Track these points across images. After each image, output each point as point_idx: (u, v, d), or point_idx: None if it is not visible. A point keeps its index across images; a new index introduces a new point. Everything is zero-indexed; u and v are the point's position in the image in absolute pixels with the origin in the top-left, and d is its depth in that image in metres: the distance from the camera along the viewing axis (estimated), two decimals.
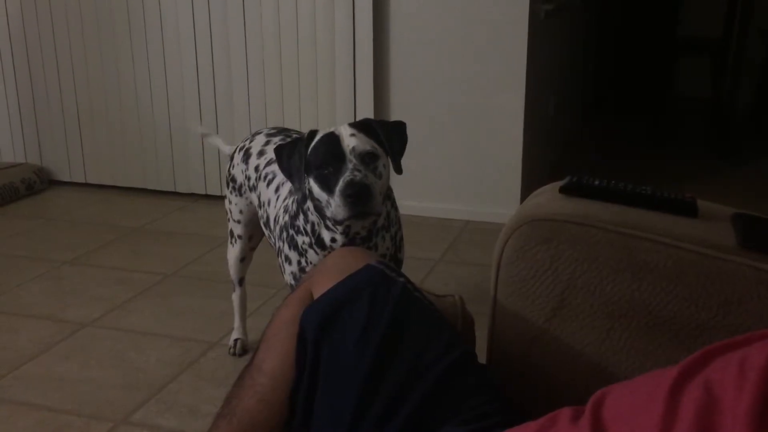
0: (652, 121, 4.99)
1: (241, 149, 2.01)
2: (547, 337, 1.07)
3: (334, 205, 1.44)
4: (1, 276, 2.79)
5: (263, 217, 1.85)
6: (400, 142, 1.55)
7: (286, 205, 1.69)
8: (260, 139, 1.98)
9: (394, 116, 3.35)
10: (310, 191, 1.51)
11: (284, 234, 1.66)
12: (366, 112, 3.34)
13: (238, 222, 2.07)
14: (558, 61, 4.15)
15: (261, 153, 1.93)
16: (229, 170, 2.05)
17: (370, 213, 1.46)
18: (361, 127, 1.51)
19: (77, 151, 3.88)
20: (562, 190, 1.12)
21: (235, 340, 2.21)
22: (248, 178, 1.94)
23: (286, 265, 1.65)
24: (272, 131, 2.02)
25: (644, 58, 5.47)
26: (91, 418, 1.90)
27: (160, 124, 3.69)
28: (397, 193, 1.70)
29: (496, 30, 3.19)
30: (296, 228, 1.61)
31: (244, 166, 1.96)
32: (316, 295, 1.10)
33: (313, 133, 1.52)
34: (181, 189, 3.75)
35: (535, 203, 1.12)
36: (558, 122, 4.30)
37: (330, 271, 1.13)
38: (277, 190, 1.79)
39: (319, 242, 1.57)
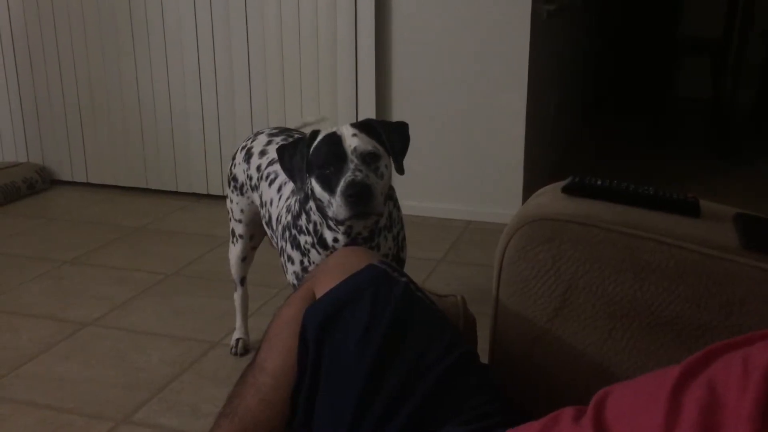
0: (653, 121, 4.99)
1: (242, 149, 2.01)
2: (549, 337, 1.07)
3: (336, 205, 1.44)
4: (3, 275, 2.79)
5: (265, 217, 1.85)
6: (401, 142, 1.55)
7: (289, 204, 1.70)
8: (262, 139, 1.98)
9: (396, 116, 3.36)
10: (312, 191, 1.51)
11: (287, 234, 1.66)
12: (368, 112, 3.34)
13: (240, 221, 2.07)
14: (559, 60, 4.15)
15: (263, 153, 1.93)
16: (230, 169, 2.05)
17: (371, 213, 1.46)
18: (363, 127, 1.51)
19: (79, 151, 3.88)
20: (565, 189, 1.13)
21: (237, 340, 2.21)
22: (250, 178, 1.94)
23: (289, 265, 1.65)
24: (274, 131, 2.02)
25: (644, 59, 5.46)
26: (92, 417, 1.90)
27: (162, 124, 3.69)
28: (399, 193, 1.70)
29: (498, 30, 3.19)
30: (299, 228, 1.61)
31: (245, 166, 1.96)
32: (318, 295, 1.11)
33: (315, 133, 1.52)
34: (182, 189, 3.75)
35: (537, 203, 1.12)
36: (559, 122, 4.30)
37: (332, 271, 1.13)
38: (279, 189, 1.79)
39: (322, 242, 1.57)
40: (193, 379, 2.08)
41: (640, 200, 1.08)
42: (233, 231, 2.11)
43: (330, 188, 1.45)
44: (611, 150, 4.83)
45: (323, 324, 1.05)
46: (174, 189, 3.76)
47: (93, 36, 3.68)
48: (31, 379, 2.08)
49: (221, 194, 3.57)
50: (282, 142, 1.88)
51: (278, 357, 1.08)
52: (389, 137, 1.52)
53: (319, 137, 1.51)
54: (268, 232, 1.87)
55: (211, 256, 2.96)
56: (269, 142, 1.94)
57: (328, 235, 1.55)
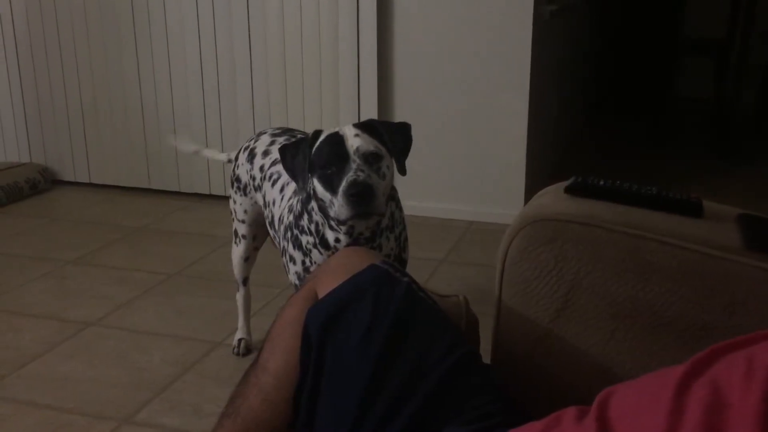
0: (653, 122, 4.99)
1: (245, 149, 2.01)
2: (552, 338, 1.07)
3: (337, 205, 1.44)
4: (5, 275, 2.80)
5: (268, 217, 1.86)
6: (404, 142, 1.55)
7: (291, 204, 1.70)
8: (265, 139, 1.98)
9: (398, 116, 3.36)
10: (314, 191, 1.51)
11: (289, 234, 1.66)
12: (370, 112, 3.34)
13: (243, 222, 2.07)
14: (561, 61, 4.15)
15: (266, 153, 1.93)
16: (233, 170, 2.06)
17: (373, 213, 1.46)
18: (366, 127, 1.51)
19: (81, 151, 3.88)
20: (567, 190, 1.13)
21: (239, 340, 2.21)
22: (253, 178, 1.94)
23: (291, 265, 1.66)
24: (277, 131, 2.02)
25: (646, 59, 5.46)
26: (94, 417, 1.90)
27: (164, 125, 3.70)
28: (400, 193, 1.70)
29: (500, 30, 3.19)
30: (300, 228, 1.61)
31: (248, 166, 1.96)
32: (320, 295, 1.11)
33: (317, 133, 1.52)
34: (184, 189, 3.75)
35: (540, 203, 1.12)
36: (560, 122, 4.30)
37: (334, 271, 1.14)
38: (281, 190, 1.79)
39: (323, 242, 1.57)
40: (196, 379, 2.08)
41: (642, 200, 1.08)
42: (236, 231, 2.11)
43: (332, 188, 1.46)
44: (612, 150, 4.82)
45: (325, 324, 1.05)
46: (176, 189, 3.76)
47: (95, 36, 3.68)
48: (33, 379, 2.08)
49: (223, 194, 3.58)
50: (285, 143, 1.88)
51: (281, 357, 1.08)
52: (391, 138, 1.52)
53: (322, 137, 1.51)
54: (271, 232, 1.87)
55: (214, 256, 2.96)
56: (272, 143, 1.94)
57: (330, 236, 1.55)
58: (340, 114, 3.41)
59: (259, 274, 2.30)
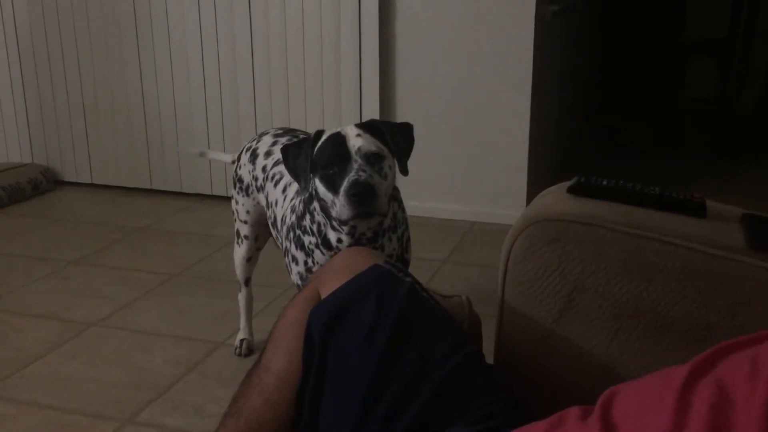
0: (656, 122, 4.99)
1: (248, 150, 2.01)
2: (555, 338, 1.07)
3: (339, 205, 1.44)
4: (7, 276, 2.80)
5: (271, 218, 1.86)
6: (406, 143, 1.55)
7: (293, 205, 1.70)
8: (267, 140, 1.98)
9: (400, 116, 3.36)
10: (316, 191, 1.51)
11: (291, 234, 1.66)
12: (372, 112, 3.34)
13: (245, 222, 2.07)
14: (563, 61, 4.14)
15: (268, 153, 1.93)
16: (236, 171, 2.05)
17: (375, 213, 1.46)
18: (368, 127, 1.51)
19: (83, 152, 3.89)
20: (570, 190, 1.12)
21: (241, 341, 2.21)
22: (255, 179, 1.94)
23: (293, 265, 1.65)
24: (279, 131, 2.02)
25: (648, 59, 5.46)
26: (97, 417, 1.90)
27: (166, 125, 3.70)
28: (402, 194, 1.69)
29: (503, 30, 3.19)
30: (303, 228, 1.61)
31: (251, 167, 1.96)
32: (323, 295, 1.11)
33: (319, 133, 1.52)
34: (186, 189, 3.75)
35: (542, 203, 1.12)
36: (562, 123, 4.30)
37: (337, 271, 1.13)
38: (284, 190, 1.79)
39: (326, 243, 1.57)
40: (198, 380, 2.08)
41: (646, 200, 1.08)
42: (238, 232, 2.11)
43: (334, 188, 1.45)
44: (614, 150, 4.82)
45: (328, 324, 1.05)
46: (178, 190, 3.76)
47: (97, 37, 3.68)
48: (36, 380, 2.08)
49: (225, 195, 3.58)
50: (287, 143, 1.88)
51: (283, 357, 1.08)
52: (393, 138, 1.52)
53: (324, 137, 1.51)
54: (273, 232, 1.87)
55: (216, 256, 2.97)
56: (274, 143, 1.94)
57: (332, 236, 1.55)
58: (342, 114, 3.41)
59: (261, 274, 2.30)
